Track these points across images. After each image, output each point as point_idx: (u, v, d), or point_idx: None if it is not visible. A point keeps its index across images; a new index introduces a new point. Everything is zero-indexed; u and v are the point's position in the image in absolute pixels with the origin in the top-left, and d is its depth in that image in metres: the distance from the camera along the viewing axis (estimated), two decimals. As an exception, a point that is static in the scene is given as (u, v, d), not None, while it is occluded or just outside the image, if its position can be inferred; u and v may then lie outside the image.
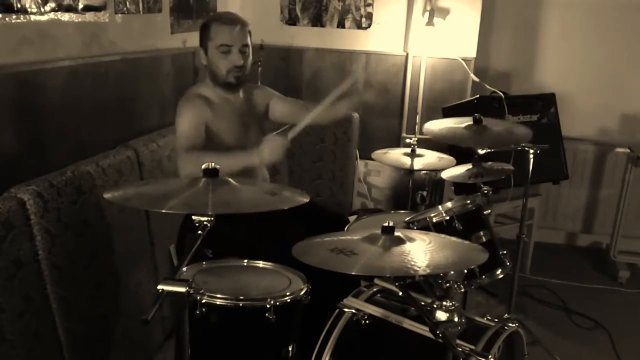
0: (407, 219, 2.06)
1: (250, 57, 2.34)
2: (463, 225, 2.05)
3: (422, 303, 1.58)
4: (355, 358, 1.80)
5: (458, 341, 1.55)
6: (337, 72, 3.83)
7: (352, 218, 2.58)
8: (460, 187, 3.18)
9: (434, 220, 2.04)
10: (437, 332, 1.42)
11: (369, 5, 3.73)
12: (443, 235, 1.68)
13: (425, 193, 2.95)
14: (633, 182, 3.57)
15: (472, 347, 1.64)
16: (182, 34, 3.06)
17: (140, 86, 2.68)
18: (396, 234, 1.50)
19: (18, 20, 1.93)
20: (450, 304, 1.51)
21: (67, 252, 1.93)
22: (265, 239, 2.16)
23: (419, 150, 2.79)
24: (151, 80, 2.78)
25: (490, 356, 1.59)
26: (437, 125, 2.50)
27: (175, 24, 2.99)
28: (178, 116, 2.23)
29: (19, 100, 1.95)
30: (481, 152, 2.39)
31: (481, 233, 2.11)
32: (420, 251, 1.45)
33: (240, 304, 1.66)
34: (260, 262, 1.92)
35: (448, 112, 3.38)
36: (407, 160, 2.75)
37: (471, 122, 2.40)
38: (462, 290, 2.16)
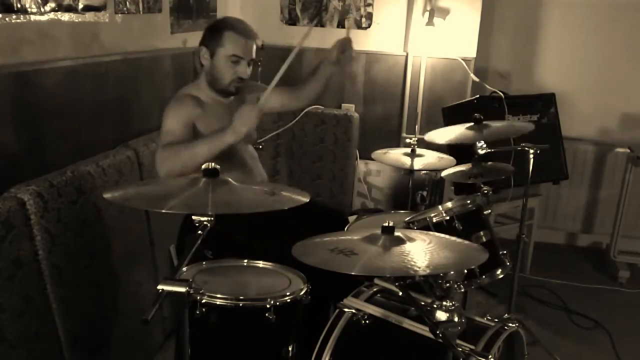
0: (407, 219, 2.06)
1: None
2: (463, 225, 2.05)
3: (422, 303, 1.58)
4: (355, 358, 1.80)
5: (458, 341, 1.55)
6: (337, 72, 3.81)
7: (352, 218, 2.58)
8: (460, 187, 3.18)
9: (434, 220, 2.04)
10: (437, 332, 1.41)
11: (369, 5, 3.74)
12: (443, 235, 1.68)
13: (425, 193, 2.95)
14: (633, 182, 3.57)
15: (472, 347, 1.64)
16: (182, 34, 3.06)
17: (140, 86, 2.68)
18: (396, 234, 1.50)
19: (18, 20, 1.93)
20: (450, 304, 1.51)
21: (67, 252, 1.93)
22: (265, 239, 2.16)
23: (419, 150, 2.79)
24: (151, 80, 2.78)
25: (490, 356, 1.59)
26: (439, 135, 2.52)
27: (175, 24, 2.99)
28: (165, 115, 2.18)
29: (19, 100, 1.95)
30: (481, 152, 2.39)
31: (481, 233, 2.11)
32: (420, 251, 1.45)
33: (240, 304, 1.66)
34: (260, 262, 1.92)
35: (448, 112, 3.38)
36: (407, 160, 2.75)
37: (472, 124, 2.41)
38: (462, 290, 2.16)
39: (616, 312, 3.24)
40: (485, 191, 2.22)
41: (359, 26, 3.77)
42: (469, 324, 1.69)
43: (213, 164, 1.50)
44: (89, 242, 2.07)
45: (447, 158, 2.77)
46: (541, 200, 3.73)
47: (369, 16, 3.75)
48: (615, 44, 3.83)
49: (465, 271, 1.75)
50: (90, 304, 2.08)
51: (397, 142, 3.82)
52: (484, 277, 2.05)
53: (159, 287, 1.22)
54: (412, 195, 2.94)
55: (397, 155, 2.83)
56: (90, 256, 2.08)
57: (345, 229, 2.36)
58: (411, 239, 1.51)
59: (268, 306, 1.66)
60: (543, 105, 3.49)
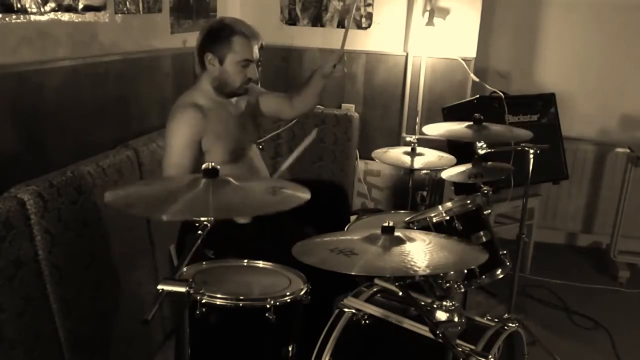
0: (407, 219, 2.06)
1: None
2: (463, 225, 2.05)
3: (422, 303, 1.58)
4: (355, 358, 1.80)
5: (458, 341, 1.55)
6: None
7: (352, 218, 2.58)
8: (460, 187, 3.18)
9: (434, 220, 2.04)
10: (437, 332, 1.41)
11: (369, 5, 3.74)
12: (443, 235, 1.68)
13: (425, 193, 2.94)
14: (633, 182, 3.57)
15: (472, 347, 1.64)
16: (182, 34, 3.06)
17: (140, 86, 2.68)
18: (396, 234, 1.50)
19: (18, 20, 1.93)
20: (450, 304, 1.50)
21: (67, 252, 1.93)
22: (265, 239, 2.16)
23: (419, 149, 2.78)
24: (151, 80, 2.78)
25: (490, 356, 1.59)
26: (437, 129, 2.52)
27: (175, 24, 2.99)
28: (170, 129, 2.19)
29: (19, 100, 1.95)
30: (481, 152, 2.39)
31: (481, 233, 2.11)
32: (420, 251, 1.45)
33: (240, 304, 1.66)
34: (260, 262, 1.92)
35: (448, 112, 3.38)
36: (407, 159, 2.75)
37: (471, 123, 2.41)
38: (462, 290, 2.16)
39: (616, 312, 3.24)
40: (485, 191, 2.22)
41: (359, 26, 3.77)
42: (469, 324, 1.69)
43: (213, 164, 1.50)
44: (89, 242, 2.07)
45: (447, 157, 2.77)
46: (541, 200, 3.73)
47: (369, 16, 3.75)
48: (615, 44, 3.83)
49: (465, 271, 1.75)
50: (90, 304, 2.07)
51: (397, 142, 3.82)
52: (484, 277, 2.05)
53: (159, 287, 1.22)
54: (412, 195, 2.93)
55: (397, 154, 2.83)
56: (90, 256, 2.08)
57: (345, 229, 2.36)
58: (411, 239, 1.51)
59: (268, 306, 1.65)
60: (543, 105, 3.49)
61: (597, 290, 3.48)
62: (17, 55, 1.95)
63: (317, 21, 3.81)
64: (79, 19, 2.24)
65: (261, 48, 2.29)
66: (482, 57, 3.81)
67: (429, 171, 3.09)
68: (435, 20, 3.58)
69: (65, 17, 2.16)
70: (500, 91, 3.42)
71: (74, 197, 1.98)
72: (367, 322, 1.75)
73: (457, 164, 2.59)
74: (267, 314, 1.65)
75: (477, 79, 3.66)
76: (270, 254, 1.94)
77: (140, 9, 2.66)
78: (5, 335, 1.68)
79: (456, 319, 1.49)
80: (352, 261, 1.39)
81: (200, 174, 1.49)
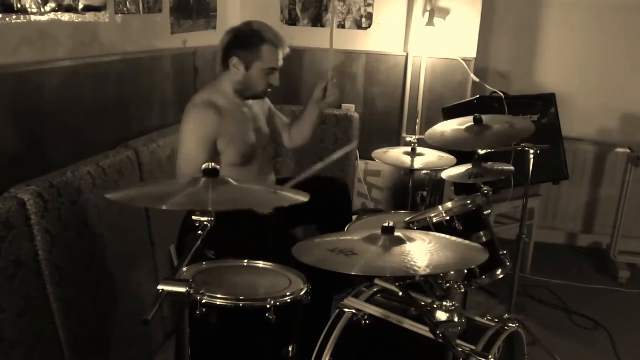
0: (407, 219, 2.06)
1: None
2: (463, 225, 2.05)
3: (422, 303, 1.58)
4: (355, 358, 1.80)
5: (458, 341, 1.55)
6: (337, 72, 3.83)
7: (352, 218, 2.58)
8: (460, 187, 3.18)
9: (434, 220, 2.04)
10: (437, 332, 1.41)
11: (369, 5, 3.74)
12: (443, 235, 1.68)
13: (425, 193, 2.95)
14: (633, 182, 3.57)
15: (472, 347, 1.64)
16: (182, 34, 3.06)
17: (140, 86, 2.68)
18: (396, 234, 1.50)
19: (18, 20, 1.93)
20: (450, 304, 1.50)
21: (67, 252, 1.93)
22: (265, 239, 2.16)
23: (419, 149, 2.79)
24: (151, 80, 2.78)
25: (490, 356, 1.59)
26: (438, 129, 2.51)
27: (175, 24, 2.99)
28: (186, 128, 2.21)
29: (19, 100, 1.95)
30: (481, 152, 2.39)
31: (481, 233, 2.11)
32: (421, 251, 1.45)
33: (240, 304, 1.66)
34: (260, 262, 1.92)
35: (448, 112, 3.37)
36: (407, 159, 2.75)
37: (471, 123, 2.41)
38: (462, 290, 2.16)
39: (616, 312, 3.24)
40: (485, 191, 2.22)
41: (359, 26, 3.77)
42: (469, 324, 1.69)
43: (213, 164, 1.50)
44: (89, 242, 2.07)
45: (447, 157, 2.77)
46: (541, 200, 3.73)
47: (369, 16, 3.75)
48: (615, 44, 3.83)
49: (465, 271, 1.75)
50: (90, 304, 2.07)
51: (397, 143, 3.82)
52: (484, 277, 2.05)
53: (159, 287, 1.22)
54: (412, 195, 2.94)
55: (397, 154, 2.83)
56: (90, 256, 2.08)
57: (345, 229, 2.36)
58: (411, 239, 1.51)
59: (268, 306, 1.65)
60: (543, 105, 3.49)
61: (597, 290, 3.48)
62: (17, 55, 1.95)
63: (317, 21, 3.81)
64: (79, 19, 2.24)
65: (285, 55, 2.32)
66: (482, 57, 3.81)
67: (429, 171, 3.10)
68: (435, 20, 3.58)
69: (65, 17, 2.16)
70: (500, 91, 3.42)
71: (74, 197, 1.98)
72: (367, 322, 1.75)
73: (457, 164, 2.59)
74: (267, 314, 1.65)
75: (477, 79, 3.66)
76: (271, 254, 1.94)
77: (140, 9, 2.66)
78: (5, 335, 1.68)
79: (456, 319, 1.49)
80: (352, 261, 1.39)
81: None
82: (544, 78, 3.94)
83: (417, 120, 3.78)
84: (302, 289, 1.75)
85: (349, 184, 3.88)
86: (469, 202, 2.12)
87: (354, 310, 1.77)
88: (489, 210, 2.16)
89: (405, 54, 3.76)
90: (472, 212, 2.11)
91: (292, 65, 3.86)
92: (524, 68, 3.97)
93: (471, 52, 3.68)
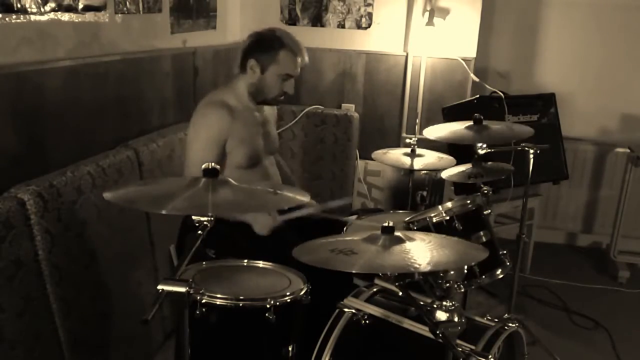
0: (407, 219, 2.06)
1: None
2: (463, 225, 2.05)
3: (422, 303, 1.58)
4: (355, 358, 1.80)
5: (458, 341, 1.55)
6: (337, 72, 3.83)
7: (352, 218, 2.57)
8: (460, 187, 3.18)
9: (434, 220, 2.04)
10: (437, 332, 1.41)
11: (369, 5, 3.73)
12: (443, 236, 1.68)
13: (425, 193, 2.95)
14: (633, 182, 3.57)
15: (472, 347, 1.64)
16: (182, 34, 3.06)
17: (140, 86, 2.68)
18: (396, 234, 1.50)
19: (18, 20, 1.93)
20: (450, 304, 1.50)
21: (67, 252, 1.93)
22: (266, 239, 2.16)
23: (419, 150, 2.79)
24: (151, 80, 2.78)
25: (490, 356, 1.59)
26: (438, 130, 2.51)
27: (175, 24, 2.99)
28: (198, 125, 2.21)
29: (19, 100, 1.95)
30: (481, 152, 2.39)
31: (481, 233, 2.11)
32: (421, 249, 1.45)
33: (240, 304, 1.66)
34: (260, 262, 1.92)
35: (448, 112, 3.38)
36: (407, 160, 2.75)
37: (471, 124, 2.41)
38: (462, 290, 2.16)
39: (616, 312, 3.24)
40: (485, 191, 2.22)
41: (359, 26, 3.77)
42: (469, 324, 1.69)
43: (213, 164, 1.49)
44: (89, 242, 2.07)
45: (447, 158, 2.77)
46: (541, 200, 3.73)
47: (369, 16, 3.75)
48: (615, 44, 3.83)
49: (465, 271, 1.75)
50: (90, 304, 2.08)
51: (397, 142, 3.82)
52: (484, 277, 2.05)
53: (159, 287, 1.22)
54: (412, 195, 2.94)
55: (397, 155, 2.83)
56: (90, 256, 2.08)
57: (344, 230, 2.35)
58: (411, 239, 1.51)
59: (268, 306, 1.66)
60: (543, 105, 3.49)
61: (597, 290, 3.48)
62: (17, 55, 1.95)
63: (317, 21, 3.81)
64: (79, 19, 2.24)
65: (303, 65, 2.32)
66: (482, 57, 3.81)
67: (428, 171, 3.10)
68: (435, 20, 3.58)
69: (65, 17, 2.16)
70: (500, 91, 3.42)
71: (74, 197, 1.98)
72: (367, 322, 1.75)
73: (457, 164, 2.59)
74: (267, 314, 1.65)
75: (477, 79, 3.66)
76: (271, 254, 1.94)
77: (140, 9, 2.66)
78: (5, 335, 1.68)
79: (456, 319, 1.49)
80: (352, 260, 1.39)
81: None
82: (544, 78, 3.94)
83: (417, 120, 3.78)
84: (302, 289, 1.75)
85: (349, 184, 3.88)
86: (469, 202, 2.12)
87: (354, 310, 1.77)
88: (489, 210, 2.16)
89: (405, 54, 3.76)
90: (472, 212, 2.11)
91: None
92: (524, 68, 3.97)
93: (471, 52, 3.68)
